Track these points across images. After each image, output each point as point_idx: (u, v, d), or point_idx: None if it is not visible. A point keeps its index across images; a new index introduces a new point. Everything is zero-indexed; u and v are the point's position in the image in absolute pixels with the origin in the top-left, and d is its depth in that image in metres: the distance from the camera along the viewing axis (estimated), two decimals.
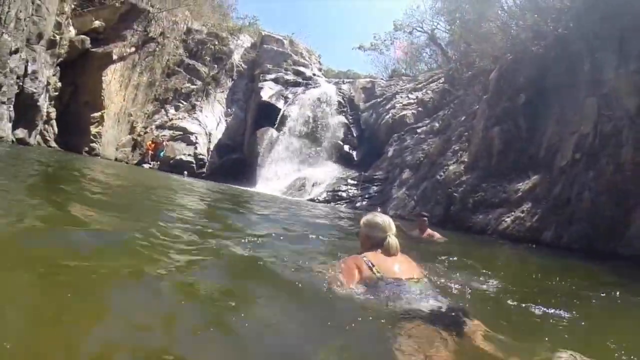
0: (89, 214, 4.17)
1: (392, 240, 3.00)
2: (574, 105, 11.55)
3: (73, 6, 18.39)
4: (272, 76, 26.20)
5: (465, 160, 15.10)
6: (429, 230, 8.43)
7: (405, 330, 2.23)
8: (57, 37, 16.66)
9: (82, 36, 19.06)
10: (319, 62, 30.27)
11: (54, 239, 2.96)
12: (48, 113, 17.85)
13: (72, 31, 18.41)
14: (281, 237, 5.15)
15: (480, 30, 18.49)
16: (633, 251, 9.03)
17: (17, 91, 14.54)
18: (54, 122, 18.70)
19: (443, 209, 14.52)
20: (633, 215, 9.47)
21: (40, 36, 15.36)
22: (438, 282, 3.30)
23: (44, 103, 16.61)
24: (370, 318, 2.42)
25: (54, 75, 17.51)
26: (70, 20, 18.06)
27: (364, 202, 19.04)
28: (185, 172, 21.55)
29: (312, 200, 19.68)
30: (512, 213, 11.59)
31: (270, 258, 3.59)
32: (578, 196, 10.19)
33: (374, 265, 2.80)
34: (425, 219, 8.62)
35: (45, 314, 1.79)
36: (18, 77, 14.44)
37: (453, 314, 2.39)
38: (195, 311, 2.21)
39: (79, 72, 19.63)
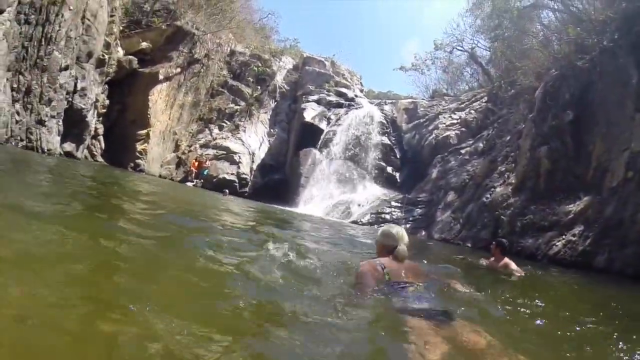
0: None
1: (402, 248, 3.55)
2: (622, 121, 11.02)
3: (121, 28, 19.37)
4: (315, 97, 26.45)
5: (512, 181, 14.63)
6: (505, 260, 7.41)
7: (402, 322, 2.65)
8: (106, 57, 17.47)
9: (130, 57, 19.96)
10: (361, 83, 30.39)
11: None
12: (96, 129, 18.69)
13: (120, 51, 19.36)
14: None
15: (521, 47, 18.07)
16: None
17: (67, 106, 15.18)
18: (101, 138, 19.57)
19: (490, 233, 14.07)
20: None
21: (89, 55, 16.11)
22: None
23: (92, 119, 17.38)
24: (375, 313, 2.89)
25: (102, 93, 18.41)
26: (119, 41, 18.99)
27: (408, 225, 18.73)
28: (226, 191, 21.52)
29: (355, 222, 19.53)
30: (563, 237, 11.07)
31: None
32: (631, 217, 9.64)
33: (385, 268, 3.33)
34: (500, 246, 7.61)
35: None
36: (68, 93, 15.11)
37: (441, 313, 2.78)
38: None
39: (127, 91, 20.61)
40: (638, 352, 2.86)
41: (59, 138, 15.11)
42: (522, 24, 18.27)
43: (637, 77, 10.64)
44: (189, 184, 22.31)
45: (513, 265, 7.20)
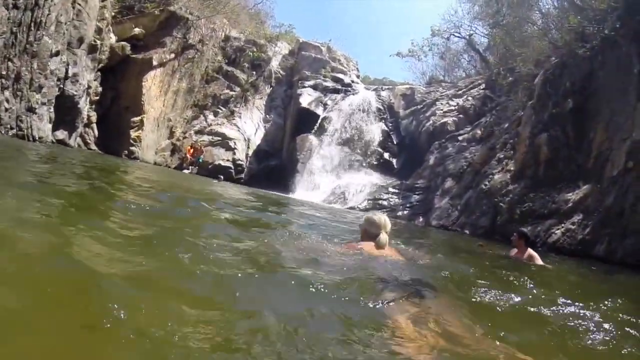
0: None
1: (384, 236, 3.72)
2: (624, 110, 11.06)
3: (113, 13, 18.99)
4: (311, 83, 26.27)
5: (512, 169, 14.70)
6: (530, 251, 6.96)
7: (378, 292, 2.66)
8: (98, 42, 17.13)
9: (123, 42, 19.65)
10: (357, 69, 30.19)
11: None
12: (89, 116, 18.42)
13: (113, 37, 19.00)
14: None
15: (520, 34, 18.03)
16: None
17: (58, 93, 14.85)
18: (94, 126, 19.32)
19: (489, 220, 14.19)
20: None
21: (81, 40, 15.78)
22: None
23: (84, 106, 17.09)
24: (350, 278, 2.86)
25: (95, 80, 18.09)
26: (111, 27, 18.62)
27: (406, 212, 18.83)
28: (221, 177, 21.43)
29: (352, 208, 19.58)
30: (563, 225, 11.19)
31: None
32: (632, 207, 9.73)
33: (364, 250, 3.58)
34: (523, 237, 7.15)
35: None
36: (59, 80, 14.78)
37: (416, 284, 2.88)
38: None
39: (120, 78, 20.34)
40: None
41: (50, 125, 14.84)
42: (521, 12, 18.18)
43: (639, 66, 10.65)
44: (185, 171, 22.19)
45: (538, 258, 6.85)
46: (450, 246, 9.78)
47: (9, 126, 12.70)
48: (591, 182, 11.36)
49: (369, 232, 3.79)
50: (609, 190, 10.60)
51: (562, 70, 13.68)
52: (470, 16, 24.25)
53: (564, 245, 10.74)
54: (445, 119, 21.94)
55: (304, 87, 26.05)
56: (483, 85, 21.92)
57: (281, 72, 27.63)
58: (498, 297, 3.18)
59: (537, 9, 17.70)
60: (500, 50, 20.53)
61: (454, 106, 22.23)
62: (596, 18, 12.80)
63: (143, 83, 20.49)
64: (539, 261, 6.78)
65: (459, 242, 11.47)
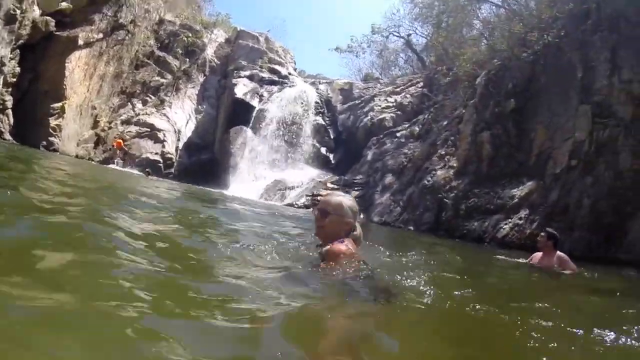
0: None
1: (360, 230, 2.88)
2: (565, 112, 11.78)
3: None
4: (247, 73, 25.47)
5: (454, 165, 15.15)
6: (559, 255, 6.14)
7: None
8: (18, 13, 15.27)
9: (47, 17, 17.67)
10: (294, 61, 29.87)
11: None
12: (3, 101, 16.49)
13: (37, 11, 17.00)
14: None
15: (459, 37, 18.74)
16: (633, 257, 9.25)
17: None
18: (9, 112, 17.25)
19: (433, 216, 14.49)
20: (631, 222, 9.72)
21: None
22: None
23: None
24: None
25: (12, 58, 16.12)
26: None
27: None
28: (148, 170, 19.66)
29: (290, 205, 19.17)
30: (510, 220, 11.67)
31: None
32: (577, 203, 10.38)
33: None
34: (553, 239, 6.29)
35: None
36: None
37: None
38: None
39: (40, 57, 18.26)
40: None
41: None
42: (461, 16, 18.89)
43: (582, 71, 11.39)
44: (112, 165, 20.51)
45: (570, 262, 6.06)
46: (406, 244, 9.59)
47: None
48: (534, 179, 11.97)
49: (345, 223, 2.76)
50: (552, 187, 11.23)
51: (504, 72, 14.33)
52: (411, 17, 24.88)
53: (513, 240, 11.21)
54: (383, 115, 22.26)
55: (240, 77, 25.26)
56: (421, 84, 22.54)
57: (216, 60, 26.60)
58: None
59: (475, 16, 18.48)
60: (438, 51, 21.20)
61: (392, 103, 22.64)
62: (538, 26, 13.54)
63: (66, 64, 18.61)
64: (572, 266, 6.04)
65: (398, 237, 11.55)
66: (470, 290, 3.34)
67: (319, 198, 2.99)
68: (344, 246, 2.63)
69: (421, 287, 2.89)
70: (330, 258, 2.58)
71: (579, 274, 6.03)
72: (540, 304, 3.27)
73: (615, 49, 10.97)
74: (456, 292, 3.18)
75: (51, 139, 18.53)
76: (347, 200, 2.84)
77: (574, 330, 2.62)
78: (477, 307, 2.82)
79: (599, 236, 9.83)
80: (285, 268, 2.84)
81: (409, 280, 3.00)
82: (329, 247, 2.64)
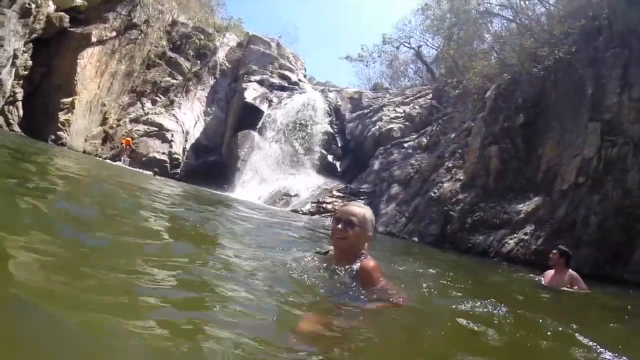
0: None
1: None
2: (575, 128, 11.73)
3: None
4: (257, 78, 25.65)
5: (461, 178, 15.10)
6: (571, 273, 6.06)
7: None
8: (33, 7, 15.47)
9: (61, 13, 17.95)
10: (304, 68, 30.02)
11: None
12: (14, 93, 16.67)
13: (52, 6, 17.33)
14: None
15: (470, 50, 18.77)
16: (639, 277, 9.15)
17: None
18: (19, 104, 17.51)
19: (439, 228, 14.44)
20: (638, 241, 9.63)
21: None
22: None
23: (8, 78, 15.36)
24: None
25: (25, 52, 16.33)
26: None
27: None
28: (155, 170, 19.73)
29: (295, 211, 19.16)
30: (515, 235, 11.60)
31: None
32: (584, 220, 10.30)
33: None
34: (565, 255, 6.24)
35: None
36: None
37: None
38: None
39: (54, 53, 18.59)
40: None
41: None
42: (472, 29, 18.94)
43: (592, 88, 11.34)
44: (119, 162, 20.64)
45: (581, 281, 5.97)
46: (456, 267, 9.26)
47: None
48: (541, 195, 11.90)
49: (367, 236, 2.76)
50: (559, 203, 11.15)
51: (514, 86, 14.29)
52: (422, 28, 24.94)
53: (517, 255, 11.12)
54: (391, 125, 22.28)
55: (250, 81, 25.44)
56: (430, 95, 22.56)
57: (227, 64, 26.78)
58: None
59: (486, 30, 18.51)
60: (448, 63, 21.23)
61: (401, 113, 22.66)
62: (549, 42, 13.53)
63: (79, 60, 18.88)
64: (582, 285, 5.94)
65: (405, 248, 11.50)
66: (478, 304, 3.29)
67: (338, 207, 2.86)
68: (372, 261, 2.66)
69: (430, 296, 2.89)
70: (366, 276, 2.61)
71: (589, 294, 5.93)
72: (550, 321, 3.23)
73: (626, 66, 10.90)
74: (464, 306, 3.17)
75: (60, 133, 18.79)
76: (368, 211, 2.82)
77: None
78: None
79: (607, 254, 9.73)
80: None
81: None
82: (359, 264, 2.65)
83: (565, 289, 5.90)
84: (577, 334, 2.84)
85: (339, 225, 2.68)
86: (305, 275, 2.77)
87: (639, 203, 9.73)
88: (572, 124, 11.84)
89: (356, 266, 2.66)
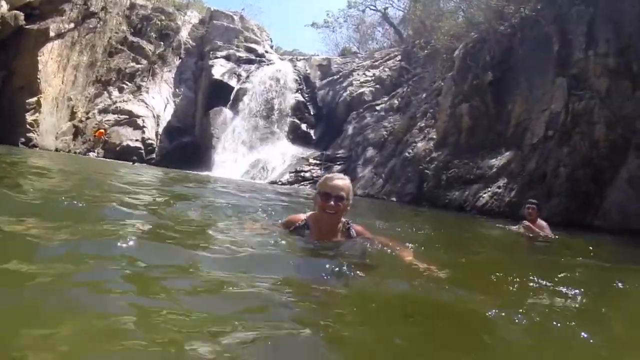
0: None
1: None
2: (542, 84, 12.12)
3: None
4: (223, 53, 25.21)
5: (434, 137, 15.48)
6: (540, 221, 7.08)
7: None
8: None
9: (16, 12, 17.23)
10: (270, 39, 29.54)
11: None
12: None
13: (4, 6, 16.65)
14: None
15: (439, 9, 18.85)
16: (608, 224, 9.73)
17: None
18: None
19: (415, 187, 14.87)
20: (607, 190, 10.19)
21: None
22: None
23: None
24: None
25: None
26: None
27: None
28: (135, 158, 20.02)
29: (274, 182, 19.28)
30: (489, 189, 12.09)
31: None
32: (554, 172, 10.80)
33: None
34: (537, 206, 7.29)
35: None
36: None
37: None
38: None
39: (12, 54, 17.91)
40: None
41: None
42: None
43: (558, 45, 11.70)
44: (91, 154, 20.33)
45: (546, 227, 6.96)
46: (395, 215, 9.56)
47: None
48: (512, 149, 12.37)
49: (350, 205, 2.95)
50: (530, 156, 11.65)
51: (482, 45, 14.54)
52: None
53: (492, 208, 11.65)
54: (362, 89, 22.40)
55: (216, 57, 25.04)
56: (399, 57, 22.67)
57: (191, 42, 26.25)
58: None
59: None
60: (415, 24, 21.29)
61: (371, 77, 22.75)
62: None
63: (39, 58, 18.20)
64: (549, 232, 6.91)
65: (385, 209, 11.76)
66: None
67: (320, 182, 2.91)
68: (360, 225, 3.04)
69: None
70: (367, 237, 3.04)
71: (558, 239, 6.82)
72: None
73: (591, 23, 11.25)
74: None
75: (29, 135, 18.28)
76: (349, 181, 2.98)
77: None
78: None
79: (576, 203, 10.27)
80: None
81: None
82: (354, 230, 3.00)
83: (539, 235, 6.79)
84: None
85: (331, 202, 2.79)
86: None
87: (606, 154, 10.23)
88: (539, 80, 12.22)
89: (354, 230, 2.98)
